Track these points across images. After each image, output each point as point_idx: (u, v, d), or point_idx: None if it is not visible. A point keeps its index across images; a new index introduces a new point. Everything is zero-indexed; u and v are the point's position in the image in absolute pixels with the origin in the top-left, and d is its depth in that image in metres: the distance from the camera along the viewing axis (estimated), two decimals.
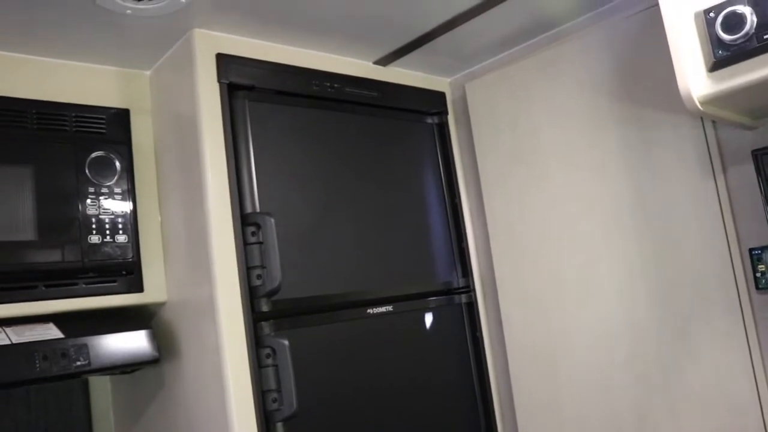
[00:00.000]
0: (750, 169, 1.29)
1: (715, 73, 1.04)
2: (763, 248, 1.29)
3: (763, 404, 1.28)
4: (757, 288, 1.29)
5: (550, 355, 1.61)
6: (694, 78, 1.06)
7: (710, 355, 1.34)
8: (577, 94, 1.55)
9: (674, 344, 1.39)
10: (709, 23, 1.03)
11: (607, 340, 1.50)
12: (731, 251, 1.32)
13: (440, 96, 1.83)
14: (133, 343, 1.37)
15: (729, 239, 1.32)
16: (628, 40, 1.46)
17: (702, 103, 1.07)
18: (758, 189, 1.25)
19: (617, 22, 1.48)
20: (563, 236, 1.58)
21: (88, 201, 1.36)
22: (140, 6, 1.25)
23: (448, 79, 1.89)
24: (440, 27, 1.54)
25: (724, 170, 1.34)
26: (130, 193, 1.43)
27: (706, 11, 1.04)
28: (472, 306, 1.73)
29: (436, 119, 1.79)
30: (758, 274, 1.29)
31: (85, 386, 1.70)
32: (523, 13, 1.54)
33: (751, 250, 1.30)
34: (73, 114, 1.39)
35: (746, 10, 0.99)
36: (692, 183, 1.37)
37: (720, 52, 1.02)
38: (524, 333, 1.66)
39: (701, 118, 1.34)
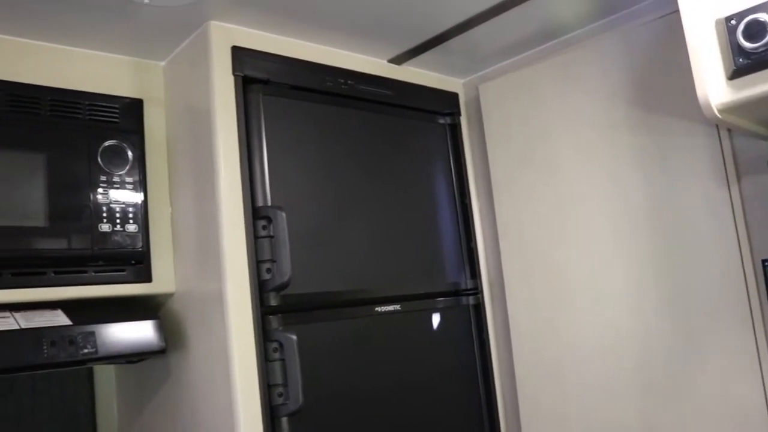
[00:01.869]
0: (765, 179, 1.28)
1: (735, 81, 1.03)
2: None
3: None
4: None
5: (557, 360, 1.60)
6: (713, 85, 1.05)
7: (719, 366, 1.33)
8: (591, 99, 1.55)
9: (683, 354, 1.39)
10: (731, 31, 1.02)
11: (615, 346, 1.49)
12: (744, 262, 1.31)
13: (453, 97, 1.82)
14: (140, 332, 1.37)
15: (742, 249, 1.31)
16: (645, 47, 1.45)
17: (720, 111, 1.06)
18: None
19: (634, 28, 1.47)
20: (573, 241, 1.57)
21: (100, 189, 1.36)
22: None
23: (462, 80, 1.89)
24: (455, 28, 1.54)
25: (739, 180, 1.33)
26: (142, 183, 1.43)
27: (728, 18, 1.03)
28: (479, 308, 1.73)
29: (448, 120, 1.79)
30: None
31: (90, 375, 1.70)
32: (539, 17, 1.53)
33: (764, 261, 1.29)
34: (87, 102, 1.39)
35: None
36: (706, 191, 1.36)
37: (741, 60, 1.01)
38: (531, 337, 1.65)
39: (717, 126, 1.34)
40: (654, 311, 1.43)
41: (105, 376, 1.72)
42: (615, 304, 1.50)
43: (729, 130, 1.34)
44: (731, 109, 1.07)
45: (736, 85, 1.04)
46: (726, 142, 1.34)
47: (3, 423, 1.57)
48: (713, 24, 1.07)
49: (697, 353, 1.36)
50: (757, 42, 1.00)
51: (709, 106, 1.05)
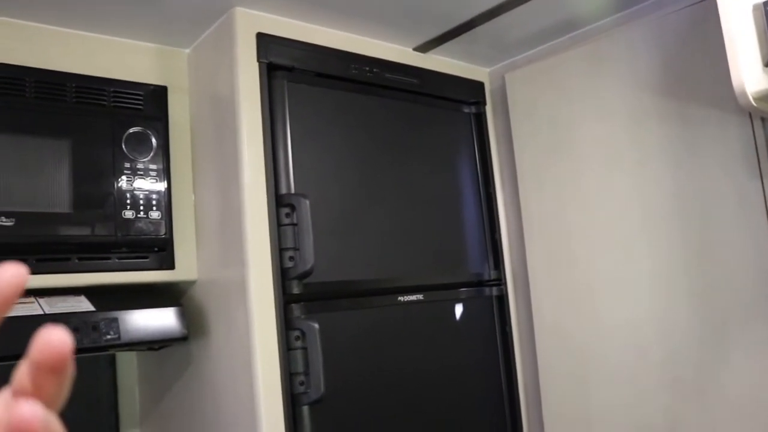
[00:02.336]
0: None
1: None
2: None
3: None
4: None
5: (581, 353, 1.58)
6: (749, 73, 1.03)
7: (748, 363, 1.30)
8: (619, 89, 1.52)
9: (711, 349, 1.36)
10: None
11: (641, 341, 1.47)
12: None
13: (479, 85, 1.80)
14: (162, 319, 1.37)
15: None
16: (675, 36, 1.42)
17: (756, 99, 1.03)
18: None
19: (664, 17, 1.44)
20: (599, 233, 1.55)
21: (124, 176, 1.36)
22: None
23: (488, 69, 1.87)
24: (482, 15, 1.52)
25: None
26: (165, 170, 1.42)
27: (766, 3, 1.00)
28: (502, 299, 1.71)
29: (473, 109, 1.77)
30: None
31: (112, 361, 1.71)
32: (567, 5, 1.51)
33: None
34: (112, 89, 1.39)
35: None
36: (737, 183, 1.33)
37: None
38: (555, 329, 1.63)
39: (750, 116, 1.30)
40: (682, 305, 1.40)
41: (127, 363, 1.72)
42: (642, 298, 1.47)
43: (762, 120, 1.30)
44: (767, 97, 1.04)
45: None
46: (759, 132, 1.30)
47: None
48: (750, 9, 1.04)
49: (725, 349, 1.34)
50: None
51: (744, 94, 1.03)
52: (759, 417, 1.29)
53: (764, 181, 1.29)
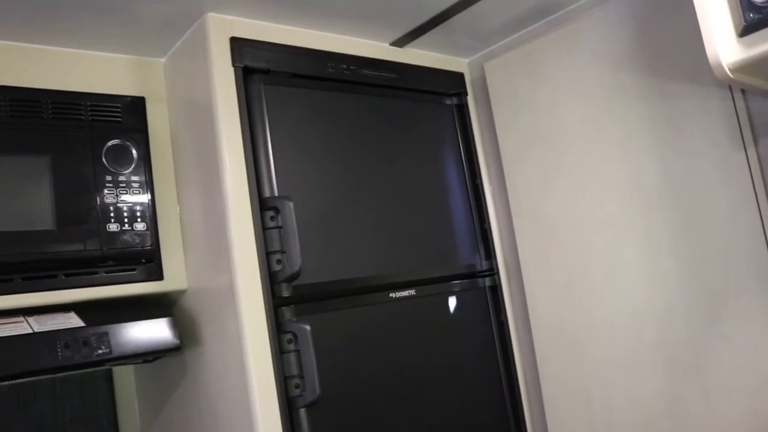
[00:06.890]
0: None
1: (746, 37, 0.99)
2: None
3: None
4: None
5: (577, 337, 1.57)
6: (724, 44, 1.01)
7: (743, 335, 1.30)
8: (598, 70, 1.51)
9: (705, 324, 1.35)
10: None
11: (636, 321, 1.46)
12: (765, 226, 1.27)
13: (459, 77, 1.79)
14: (154, 331, 1.36)
15: (762, 214, 1.27)
16: (651, 12, 1.41)
17: (732, 71, 1.02)
18: None
19: None
20: (588, 215, 1.54)
21: (106, 189, 1.36)
22: None
23: (467, 60, 1.86)
24: (457, 5, 1.51)
25: (756, 142, 1.29)
26: (148, 181, 1.41)
27: None
28: (496, 289, 1.70)
29: (455, 100, 1.76)
30: None
31: (109, 376, 1.70)
32: None
33: None
34: (89, 103, 1.39)
35: None
36: (721, 156, 1.32)
37: (751, 15, 0.97)
38: (550, 316, 1.63)
39: (730, 88, 1.30)
40: (673, 283, 1.40)
41: (125, 377, 1.72)
42: (633, 278, 1.46)
43: (743, 92, 1.30)
44: (743, 67, 1.03)
45: (748, 41, 1.00)
46: (740, 104, 1.30)
47: (26, 428, 1.57)
48: None
49: (718, 324, 1.33)
50: None
51: (720, 66, 1.02)
52: (757, 390, 1.28)
53: (748, 153, 1.29)
